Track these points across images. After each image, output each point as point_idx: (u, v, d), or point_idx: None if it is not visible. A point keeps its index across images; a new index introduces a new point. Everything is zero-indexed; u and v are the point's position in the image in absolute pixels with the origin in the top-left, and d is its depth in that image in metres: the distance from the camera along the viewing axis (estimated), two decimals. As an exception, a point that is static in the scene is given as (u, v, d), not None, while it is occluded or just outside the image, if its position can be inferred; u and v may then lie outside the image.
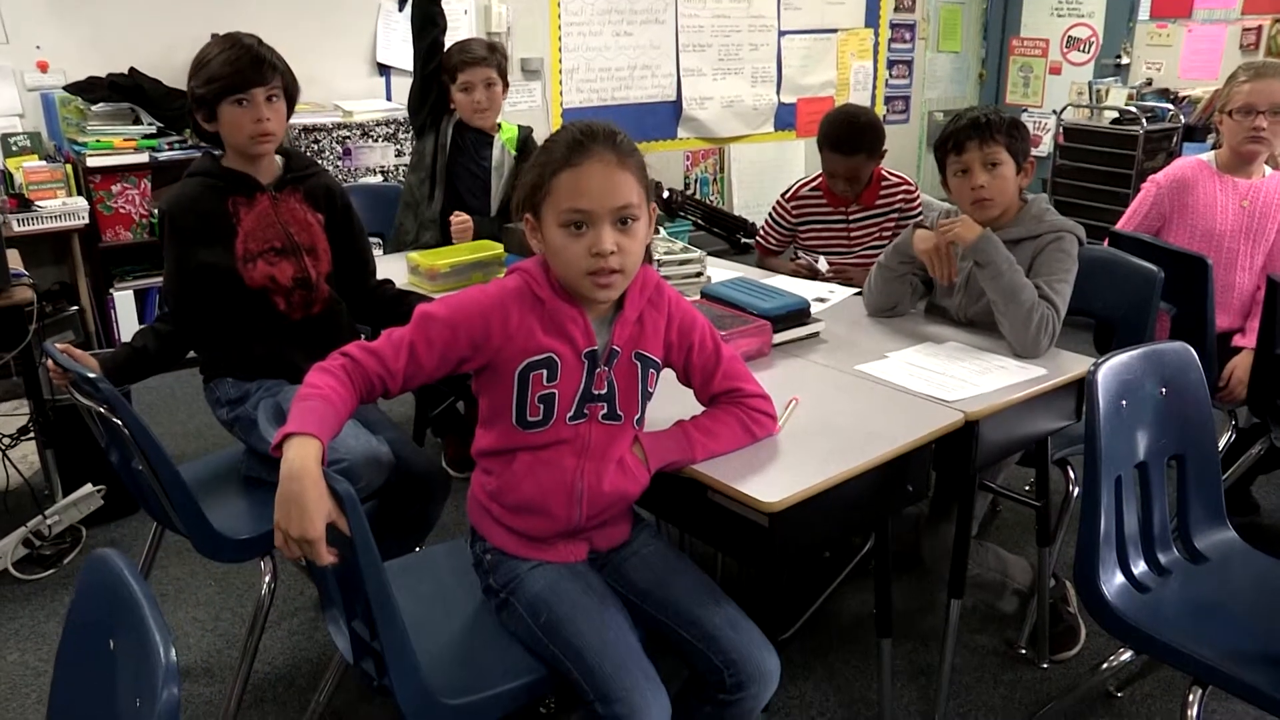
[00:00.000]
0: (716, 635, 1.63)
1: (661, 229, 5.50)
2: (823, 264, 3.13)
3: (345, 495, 1.42)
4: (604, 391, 1.64)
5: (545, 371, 1.61)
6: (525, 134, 3.34)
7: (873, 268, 2.48)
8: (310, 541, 1.40)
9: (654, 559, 1.76)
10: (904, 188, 3.19)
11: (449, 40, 3.26)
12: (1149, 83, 6.36)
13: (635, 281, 1.64)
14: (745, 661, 1.62)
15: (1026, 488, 3.01)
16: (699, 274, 2.67)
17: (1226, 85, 2.96)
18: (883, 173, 3.19)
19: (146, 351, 2.25)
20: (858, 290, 2.76)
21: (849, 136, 3.05)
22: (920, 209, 3.19)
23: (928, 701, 2.34)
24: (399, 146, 4.63)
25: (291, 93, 2.26)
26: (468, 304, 1.62)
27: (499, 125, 3.31)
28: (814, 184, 3.25)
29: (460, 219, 3.10)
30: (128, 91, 4.25)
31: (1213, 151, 3.06)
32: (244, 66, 2.15)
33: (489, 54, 3.16)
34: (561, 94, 5.66)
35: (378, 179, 4.59)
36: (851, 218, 3.19)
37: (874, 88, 7.00)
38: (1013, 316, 2.19)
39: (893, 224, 3.19)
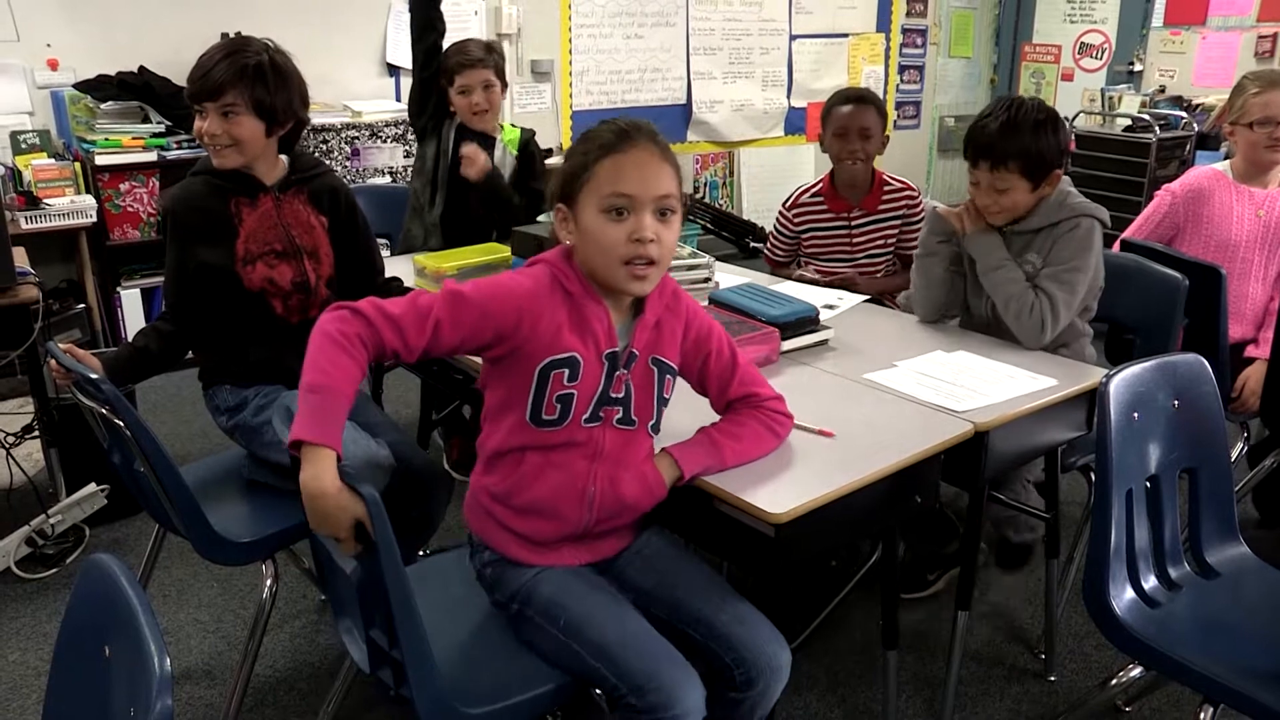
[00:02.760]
0: (725, 633, 1.61)
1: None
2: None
3: (370, 501, 1.41)
4: (621, 395, 1.63)
5: (567, 371, 1.58)
6: (527, 136, 3.32)
7: (913, 271, 2.46)
8: (339, 540, 1.44)
9: (655, 559, 1.74)
10: (907, 193, 3.15)
11: (450, 39, 3.24)
12: (1162, 90, 6.32)
13: (655, 286, 1.63)
14: (756, 659, 1.60)
15: (1029, 480, 2.98)
16: (707, 279, 2.64)
17: (1236, 96, 2.93)
18: (885, 177, 3.16)
19: (148, 351, 2.23)
20: (867, 297, 2.74)
21: (856, 91, 3.12)
22: (922, 214, 3.15)
23: (933, 714, 2.32)
24: (408, 147, 4.62)
25: (266, 105, 2.16)
26: (502, 293, 1.58)
27: (500, 127, 3.29)
28: (814, 190, 3.21)
29: (469, 149, 3.09)
30: (137, 90, 4.25)
31: (1228, 161, 3.03)
32: (199, 77, 2.14)
33: (486, 55, 3.14)
34: (571, 96, 5.65)
35: (386, 180, 4.59)
36: (854, 223, 3.15)
37: (885, 93, 6.97)
38: (999, 303, 2.29)
39: (895, 230, 3.15)
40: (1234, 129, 2.93)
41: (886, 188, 3.14)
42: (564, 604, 1.61)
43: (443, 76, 3.17)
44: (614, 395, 1.62)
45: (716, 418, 1.76)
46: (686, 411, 1.77)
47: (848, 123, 3.05)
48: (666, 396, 1.69)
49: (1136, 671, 2.31)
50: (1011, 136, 2.22)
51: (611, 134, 1.57)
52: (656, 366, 1.66)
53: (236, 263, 2.20)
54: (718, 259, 2.84)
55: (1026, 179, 2.25)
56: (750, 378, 1.76)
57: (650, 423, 1.67)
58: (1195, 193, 2.97)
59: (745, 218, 6.10)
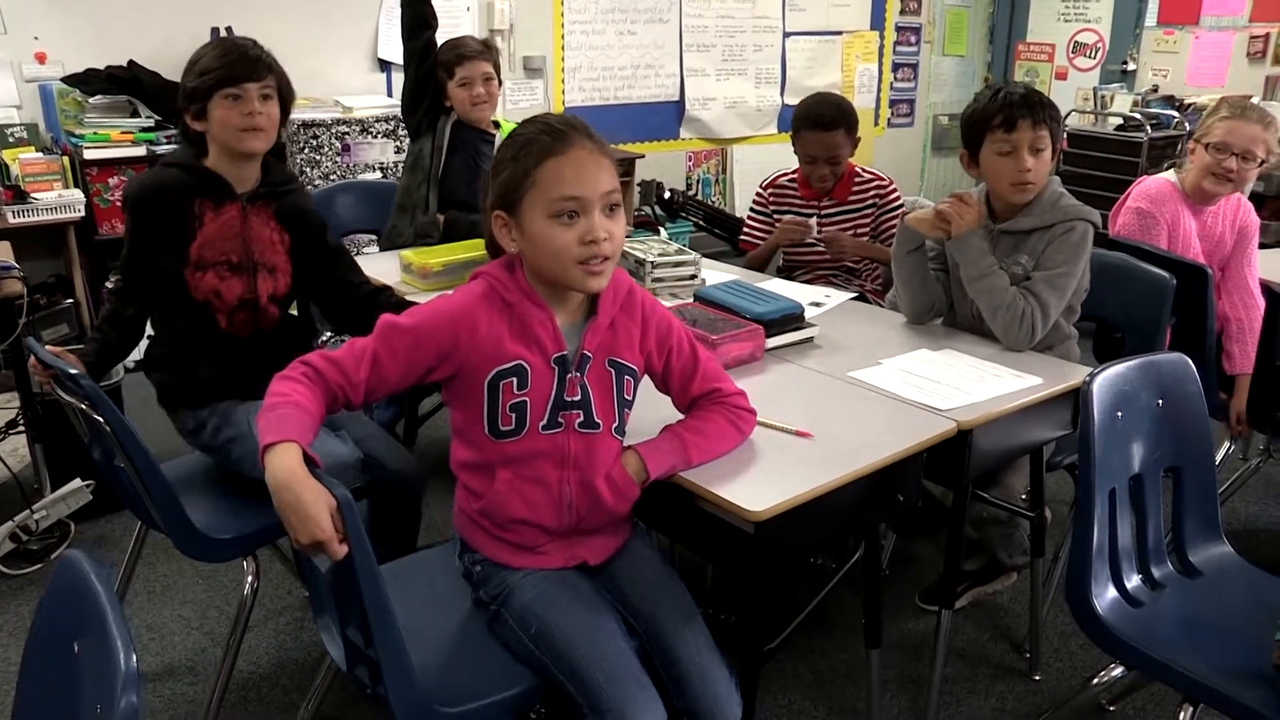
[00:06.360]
0: (685, 680, 1.60)
1: (662, 229, 5.49)
2: (813, 224, 3.11)
3: (342, 499, 1.39)
4: (577, 398, 1.61)
5: (515, 380, 1.58)
6: None
7: (893, 277, 2.46)
8: (323, 542, 1.38)
9: (646, 569, 1.73)
10: (877, 183, 3.17)
11: (441, 36, 3.24)
12: (1155, 89, 6.32)
13: (608, 287, 1.61)
14: (706, 715, 1.60)
15: (1024, 497, 2.98)
16: (693, 276, 2.64)
17: (1208, 116, 2.92)
18: (856, 169, 3.18)
19: (110, 343, 2.24)
20: (854, 295, 2.74)
21: (827, 110, 3.05)
22: (898, 202, 3.16)
23: (918, 712, 2.32)
24: (399, 143, 4.61)
25: (285, 96, 2.20)
26: (433, 314, 1.59)
27: (498, 123, 3.29)
28: (790, 176, 3.25)
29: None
30: (126, 84, 4.23)
31: (1176, 175, 2.99)
32: (237, 60, 2.12)
33: (485, 49, 3.18)
34: (564, 92, 5.64)
35: (376, 175, 4.58)
36: (824, 212, 3.16)
37: (878, 90, 6.97)
38: (986, 310, 2.27)
39: (868, 220, 3.15)
40: (1195, 146, 2.90)
41: (857, 179, 3.17)
42: (538, 612, 1.60)
43: (440, 70, 3.18)
44: (569, 399, 1.61)
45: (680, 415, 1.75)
46: (653, 410, 1.75)
47: (816, 151, 3.07)
48: (628, 398, 1.68)
49: (1119, 670, 2.32)
50: (1039, 100, 2.25)
51: (547, 136, 1.53)
52: (614, 368, 1.64)
53: (187, 267, 2.15)
54: (710, 256, 2.85)
55: (1052, 142, 2.26)
56: (712, 373, 1.74)
57: (614, 425, 1.65)
58: (1156, 201, 2.94)
59: (738, 215, 6.11)
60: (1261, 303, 2.87)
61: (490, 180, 1.59)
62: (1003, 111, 2.24)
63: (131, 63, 4.28)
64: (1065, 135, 5.97)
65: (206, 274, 2.16)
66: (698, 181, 6.27)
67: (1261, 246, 3.17)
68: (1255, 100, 5.63)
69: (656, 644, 1.64)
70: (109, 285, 4.09)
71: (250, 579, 2.10)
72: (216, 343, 2.21)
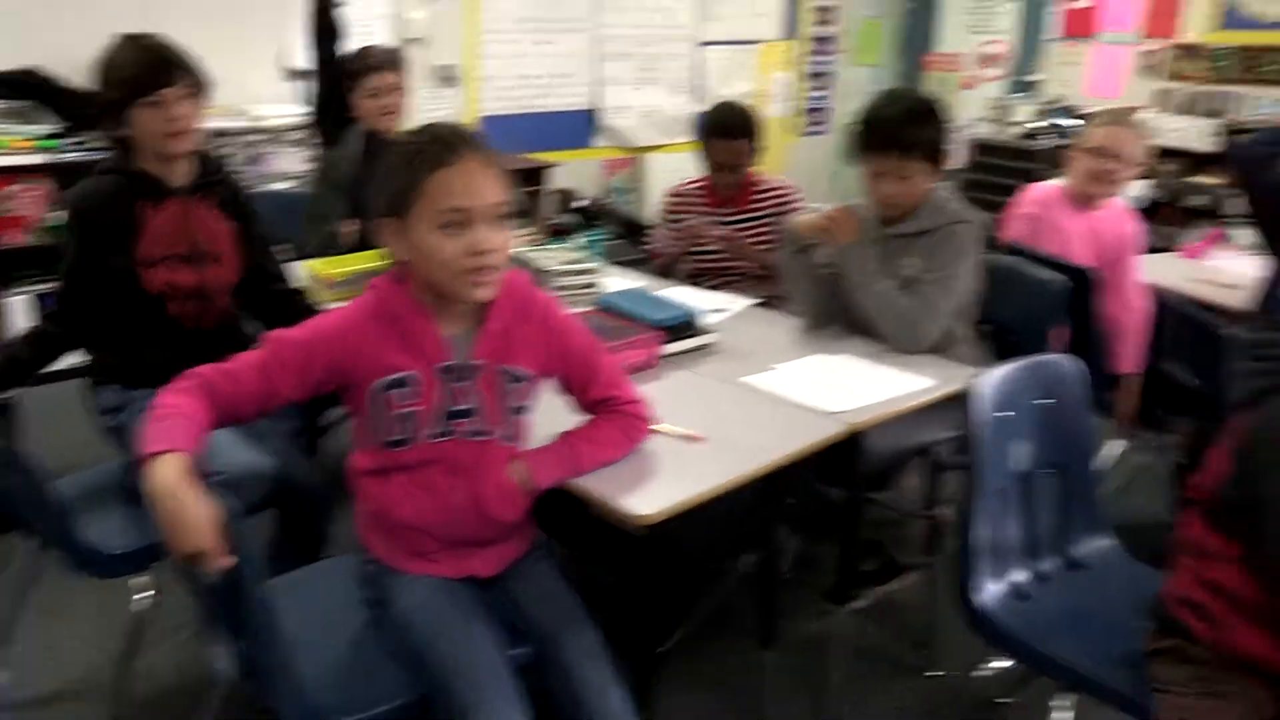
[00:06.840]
0: (580, 698, 1.59)
1: (575, 238, 5.49)
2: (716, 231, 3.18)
3: (229, 510, 1.38)
4: (466, 407, 1.62)
5: (401, 390, 1.59)
6: None
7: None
8: (204, 554, 1.36)
9: (545, 584, 1.73)
10: (777, 192, 3.25)
11: (356, 44, 3.24)
12: (1056, 100, 6.52)
13: (502, 292, 1.62)
14: None
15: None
16: (591, 285, 2.66)
17: (1088, 124, 3.10)
18: (754, 176, 3.26)
19: (18, 359, 2.20)
20: (758, 300, 2.78)
21: (730, 119, 3.16)
22: (800, 210, 3.21)
23: (819, 711, 2.35)
24: (310, 152, 4.55)
25: (203, 89, 2.20)
26: (322, 327, 1.60)
27: None
28: (695, 184, 3.34)
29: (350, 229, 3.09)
30: (26, 89, 4.12)
31: (1061, 182, 3.13)
32: (152, 67, 2.10)
33: (391, 59, 3.16)
34: (478, 101, 5.63)
35: (288, 184, 4.51)
36: (726, 220, 3.23)
37: (792, 99, 7.06)
38: (873, 315, 2.33)
39: (768, 229, 3.22)
40: (1077, 153, 3.05)
41: (755, 187, 3.25)
42: (412, 620, 1.61)
43: (347, 80, 3.16)
44: (458, 408, 1.62)
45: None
46: (551, 415, 1.76)
47: (723, 158, 3.18)
48: (521, 405, 1.68)
49: (1009, 662, 2.38)
50: (917, 124, 2.29)
51: (437, 146, 1.53)
52: (505, 375, 1.65)
53: (137, 265, 2.16)
54: (623, 264, 2.87)
55: (931, 164, 2.31)
56: (611, 379, 1.76)
57: (504, 433, 1.66)
58: (1045, 206, 3.06)
59: (652, 223, 6.14)
60: (1143, 305, 3.00)
61: (380, 188, 1.59)
62: (866, 136, 2.32)
63: (30, 68, 4.17)
64: (972, 144, 6.14)
65: (158, 268, 2.18)
66: (612, 190, 6.29)
67: (1153, 250, 3.30)
68: (1150, 112, 5.86)
69: (552, 660, 1.63)
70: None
71: (139, 595, 2.06)
72: (165, 332, 2.22)
